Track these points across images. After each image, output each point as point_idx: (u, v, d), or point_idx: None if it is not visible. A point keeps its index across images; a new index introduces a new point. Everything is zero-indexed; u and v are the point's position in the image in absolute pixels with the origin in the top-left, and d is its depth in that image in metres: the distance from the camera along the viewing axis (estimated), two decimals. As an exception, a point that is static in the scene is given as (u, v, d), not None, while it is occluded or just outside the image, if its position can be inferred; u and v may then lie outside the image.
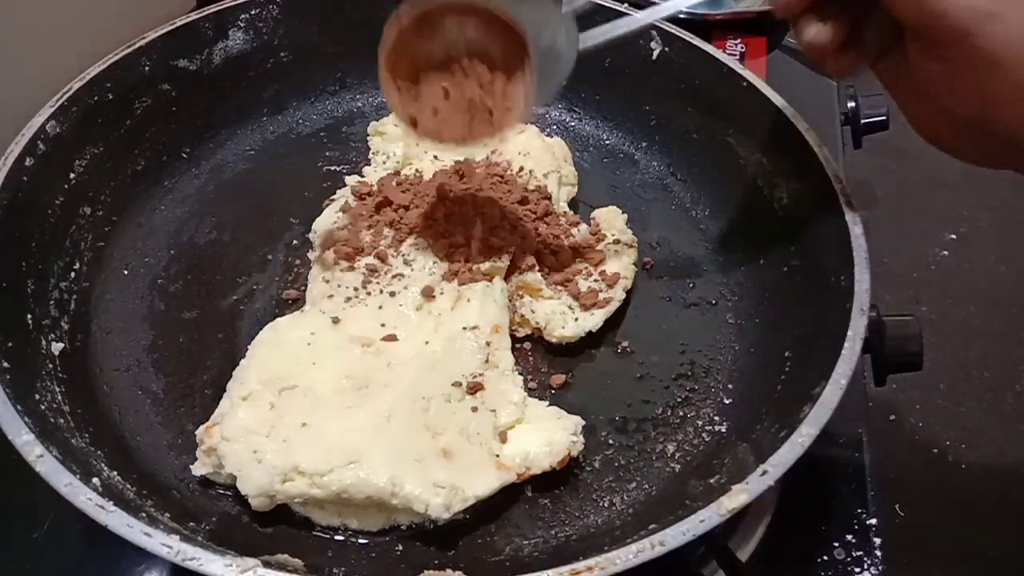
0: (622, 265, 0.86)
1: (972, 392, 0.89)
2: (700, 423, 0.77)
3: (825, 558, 0.74)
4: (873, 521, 0.76)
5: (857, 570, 0.73)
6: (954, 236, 1.03)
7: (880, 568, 0.74)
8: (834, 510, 0.77)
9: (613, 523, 0.70)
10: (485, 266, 0.81)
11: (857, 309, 0.69)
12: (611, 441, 0.75)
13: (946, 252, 1.01)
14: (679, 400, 0.78)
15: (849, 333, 0.68)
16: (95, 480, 0.61)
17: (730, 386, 0.79)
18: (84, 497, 0.58)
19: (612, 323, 0.84)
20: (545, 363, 0.82)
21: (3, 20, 0.96)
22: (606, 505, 0.71)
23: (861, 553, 0.74)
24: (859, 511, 0.76)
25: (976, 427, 0.86)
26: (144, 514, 0.60)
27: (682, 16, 1.19)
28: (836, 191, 0.78)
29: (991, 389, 0.89)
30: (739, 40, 1.23)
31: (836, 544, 0.75)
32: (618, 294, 0.84)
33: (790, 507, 0.76)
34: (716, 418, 0.77)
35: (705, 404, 0.78)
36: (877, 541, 0.75)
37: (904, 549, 0.77)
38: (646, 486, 0.72)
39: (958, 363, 0.91)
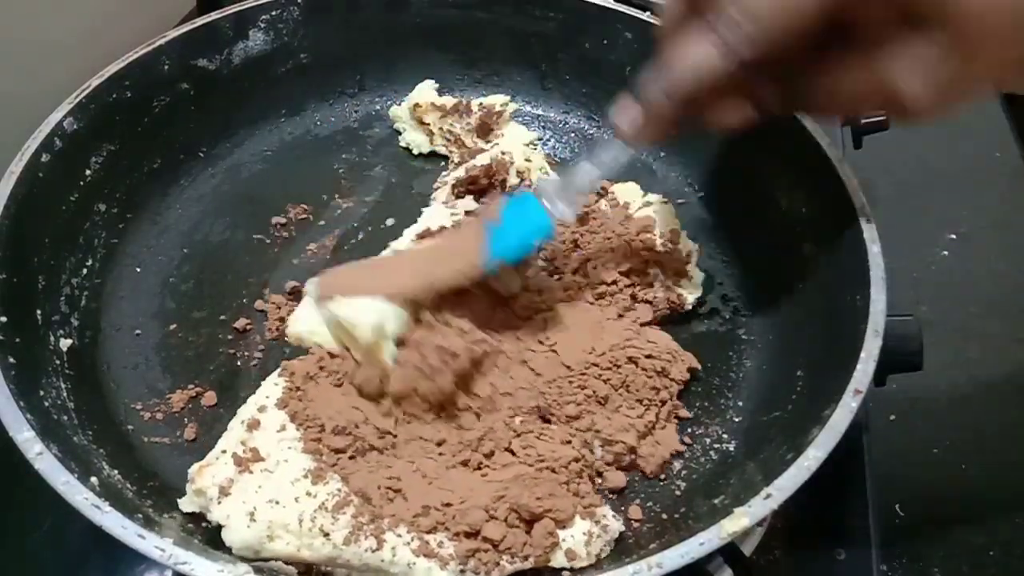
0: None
1: (972, 392, 0.88)
2: (708, 441, 0.75)
3: (825, 558, 0.74)
4: (873, 521, 0.76)
5: (857, 570, 0.73)
6: (954, 236, 1.03)
7: (880, 568, 0.74)
8: (834, 510, 0.77)
9: (614, 541, 0.68)
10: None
11: (871, 331, 0.67)
12: (616, 456, 0.74)
13: (946, 252, 1.02)
14: (688, 417, 0.77)
15: (862, 355, 0.66)
16: (93, 479, 0.61)
17: (740, 404, 0.78)
18: (81, 496, 0.58)
19: (623, 336, 0.82)
20: (553, 374, 0.81)
21: (23, 17, 0.97)
22: (608, 522, 0.70)
23: (861, 553, 0.74)
24: (859, 511, 0.76)
25: (976, 427, 0.86)
26: (141, 515, 0.60)
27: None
28: (855, 207, 0.76)
29: (991, 389, 0.89)
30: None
31: (836, 544, 0.74)
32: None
33: (790, 506, 0.74)
34: (725, 436, 0.75)
35: (714, 422, 0.77)
36: (877, 541, 0.75)
37: (904, 549, 0.76)
38: (649, 504, 0.71)
39: (958, 363, 0.90)
